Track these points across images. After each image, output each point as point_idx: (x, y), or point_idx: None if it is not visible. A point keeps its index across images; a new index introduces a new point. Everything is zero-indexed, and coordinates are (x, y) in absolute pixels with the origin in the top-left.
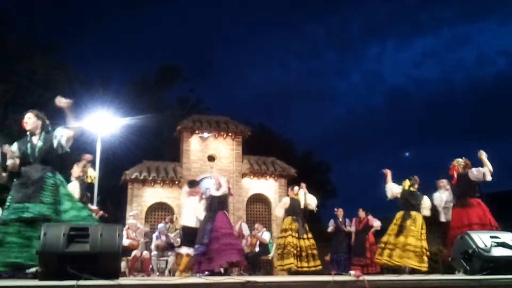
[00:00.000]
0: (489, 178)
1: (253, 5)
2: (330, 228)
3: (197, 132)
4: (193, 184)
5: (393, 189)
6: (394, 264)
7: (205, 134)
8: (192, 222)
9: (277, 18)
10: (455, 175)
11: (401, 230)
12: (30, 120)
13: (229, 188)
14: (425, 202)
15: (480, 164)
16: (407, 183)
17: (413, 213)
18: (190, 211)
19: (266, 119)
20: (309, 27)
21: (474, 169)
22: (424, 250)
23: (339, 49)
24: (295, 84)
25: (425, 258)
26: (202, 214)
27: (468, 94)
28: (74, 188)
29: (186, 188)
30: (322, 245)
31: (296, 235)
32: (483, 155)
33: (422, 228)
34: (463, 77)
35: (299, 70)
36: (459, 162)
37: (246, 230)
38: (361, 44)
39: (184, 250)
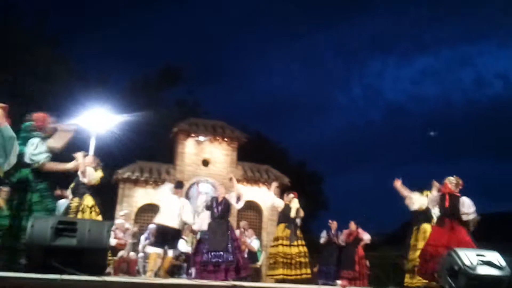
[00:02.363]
0: (471, 217)
1: (260, 11)
2: (323, 239)
3: (193, 135)
4: (180, 185)
5: (421, 199)
6: None
7: (201, 138)
8: (172, 223)
9: (283, 26)
10: (447, 195)
11: None
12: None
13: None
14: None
15: (469, 186)
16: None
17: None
18: (173, 211)
19: (264, 127)
20: (314, 38)
21: (466, 202)
22: None
23: (342, 61)
24: (295, 93)
25: None
26: (190, 217)
27: (465, 114)
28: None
29: (170, 186)
30: (311, 256)
31: (287, 242)
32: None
33: None
34: (461, 97)
35: (300, 80)
36: (451, 180)
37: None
38: (364, 58)
39: (154, 250)
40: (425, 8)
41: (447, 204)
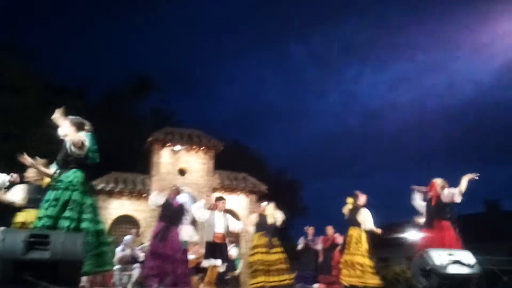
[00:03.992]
0: (458, 199)
1: (235, 20)
2: (300, 245)
3: (168, 144)
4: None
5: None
6: None
7: (177, 147)
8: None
9: (258, 34)
10: (435, 196)
11: None
12: None
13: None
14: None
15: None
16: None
17: None
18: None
19: (241, 135)
20: (289, 46)
21: (445, 191)
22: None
23: (318, 68)
24: (272, 101)
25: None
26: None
27: (439, 119)
28: (18, 191)
29: (211, 200)
30: (290, 263)
31: (264, 250)
32: (467, 177)
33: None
34: (435, 103)
35: (277, 88)
36: (438, 182)
37: None
38: (340, 65)
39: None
40: (399, 15)
41: (433, 205)
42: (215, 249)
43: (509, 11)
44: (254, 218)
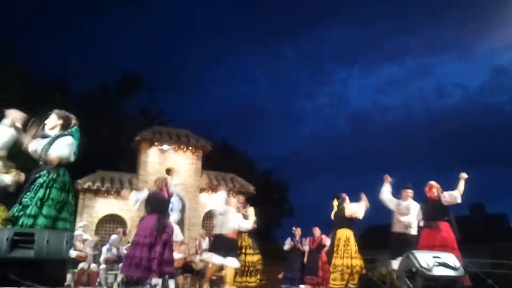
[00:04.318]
0: (459, 200)
1: (226, 21)
2: (287, 246)
3: (156, 144)
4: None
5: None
6: None
7: (165, 147)
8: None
9: (248, 35)
10: (431, 199)
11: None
12: None
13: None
14: None
15: (445, 188)
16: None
17: None
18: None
19: (230, 136)
20: (280, 47)
21: (446, 194)
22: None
23: (308, 70)
24: (262, 103)
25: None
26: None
27: (426, 123)
28: None
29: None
30: (277, 263)
31: (251, 251)
32: (462, 177)
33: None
34: (422, 106)
35: (267, 89)
36: (436, 184)
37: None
38: (330, 67)
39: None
40: (389, 20)
41: (432, 207)
42: (228, 243)
43: (497, 17)
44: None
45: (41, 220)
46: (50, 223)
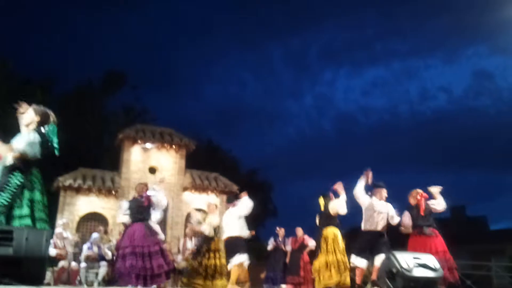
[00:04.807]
0: (445, 208)
1: (213, 20)
2: (270, 246)
3: (139, 142)
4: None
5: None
6: None
7: (148, 145)
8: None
9: (235, 35)
10: (422, 204)
11: None
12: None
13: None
14: None
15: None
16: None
17: None
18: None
19: (216, 135)
20: (268, 47)
21: (434, 202)
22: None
23: (294, 70)
24: (248, 102)
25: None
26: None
27: (410, 125)
28: None
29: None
30: (259, 263)
31: (222, 254)
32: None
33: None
34: (407, 108)
35: (253, 89)
36: (422, 193)
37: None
38: (316, 68)
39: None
40: (377, 22)
41: (422, 212)
42: (241, 244)
43: (481, 22)
44: (214, 220)
45: (28, 222)
46: (34, 224)
